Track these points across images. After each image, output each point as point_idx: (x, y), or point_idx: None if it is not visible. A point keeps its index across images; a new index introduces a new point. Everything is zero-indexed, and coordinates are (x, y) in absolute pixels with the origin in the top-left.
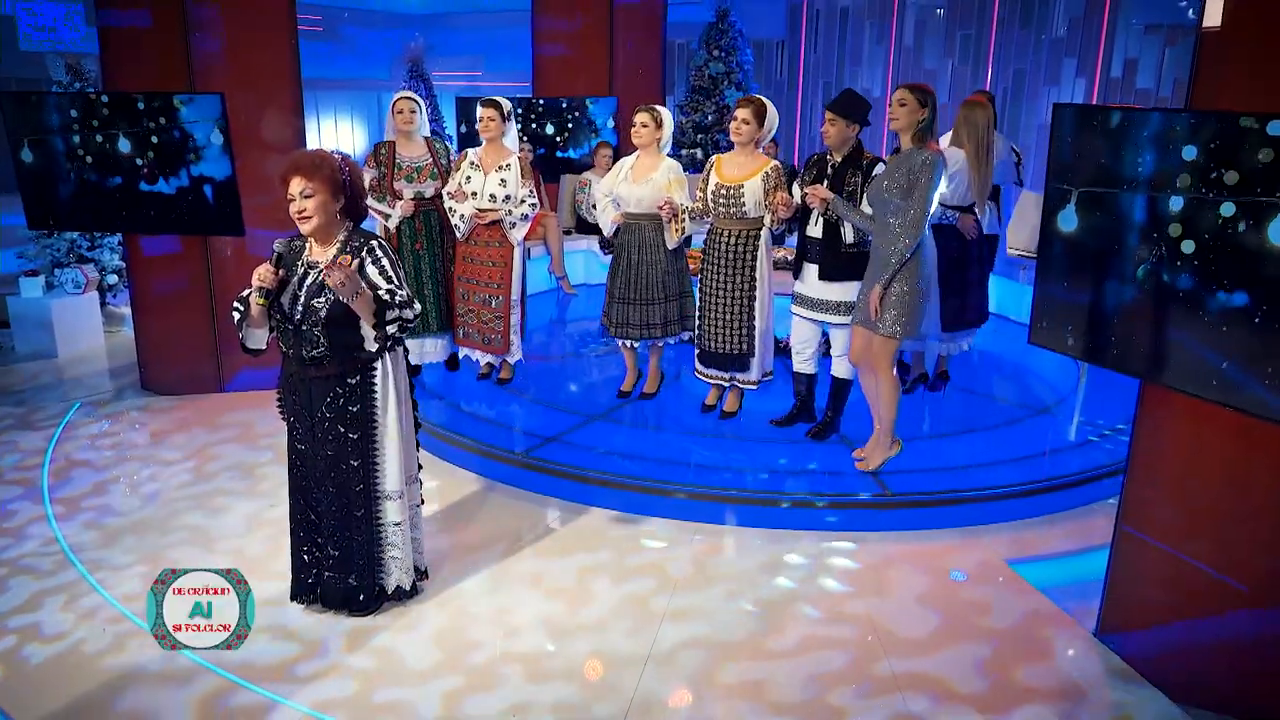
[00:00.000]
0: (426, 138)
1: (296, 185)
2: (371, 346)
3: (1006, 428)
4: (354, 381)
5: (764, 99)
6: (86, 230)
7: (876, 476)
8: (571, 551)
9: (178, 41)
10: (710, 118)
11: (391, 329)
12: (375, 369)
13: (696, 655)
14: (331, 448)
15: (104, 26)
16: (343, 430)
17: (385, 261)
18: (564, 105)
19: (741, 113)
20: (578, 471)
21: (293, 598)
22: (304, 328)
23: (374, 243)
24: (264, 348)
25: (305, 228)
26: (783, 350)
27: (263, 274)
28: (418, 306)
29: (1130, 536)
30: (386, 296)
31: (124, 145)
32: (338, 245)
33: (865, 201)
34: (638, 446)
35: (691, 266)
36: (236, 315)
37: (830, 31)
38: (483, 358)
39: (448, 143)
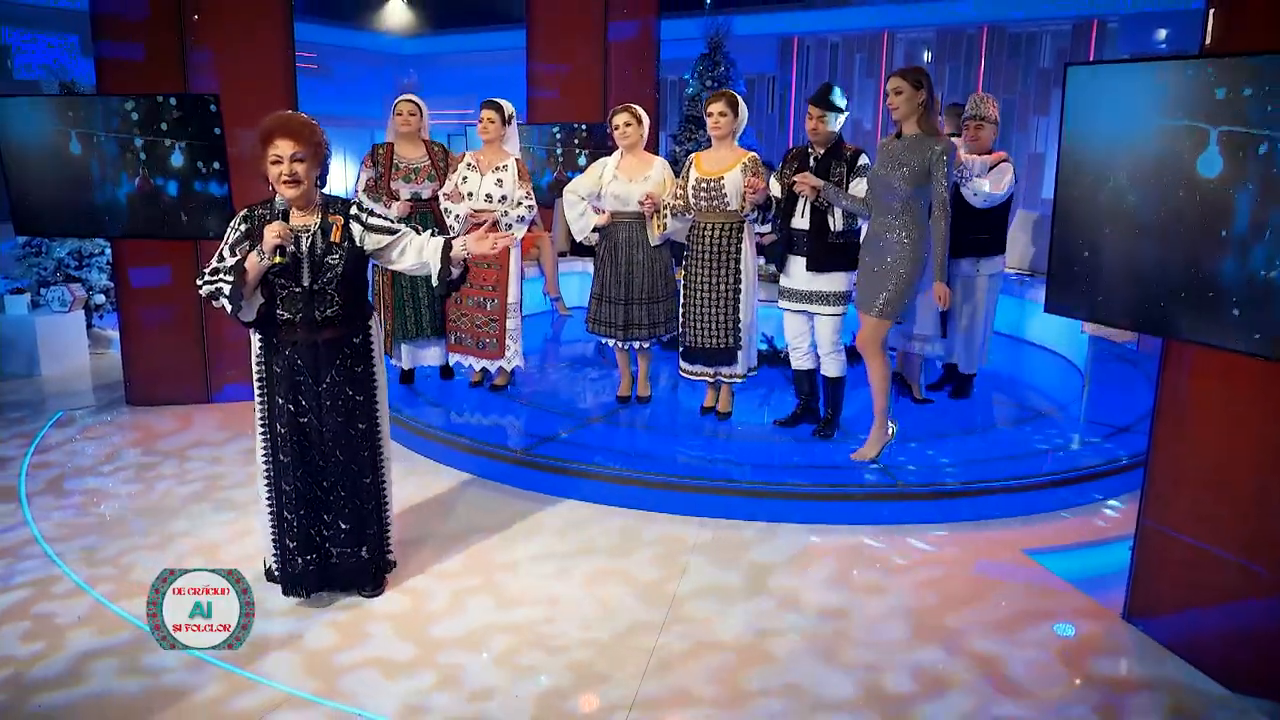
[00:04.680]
0: (426, 141)
1: (287, 148)
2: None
3: (1013, 427)
4: (358, 340)
5: (733, 91)
6: (75, 236)
7: (884, 468)
8: (569, 548)
9: (174, 72)
10: (703, 147)
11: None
12: (371, 328)
13: (692, 657)
14: (341, 413)
15: (100, 58)
16: (350, 393)
17: (377, 217)
18: (555, 130)
19: (716, 106)
20: (575, 467)
21: (286, 592)
22: (317, 287)
23: (354, 204)
24: (255, 318)
25: (290, 192)
26: (784, 359)
27: (283, 232)
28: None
29: (1153, 530)
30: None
31: (111, 149)
32: (319, 210)
33: (860, 186)
34: (635, 446)
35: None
36: (226, 286)
37: (820, 66)
38: (476, 364)
39: (447, 146)
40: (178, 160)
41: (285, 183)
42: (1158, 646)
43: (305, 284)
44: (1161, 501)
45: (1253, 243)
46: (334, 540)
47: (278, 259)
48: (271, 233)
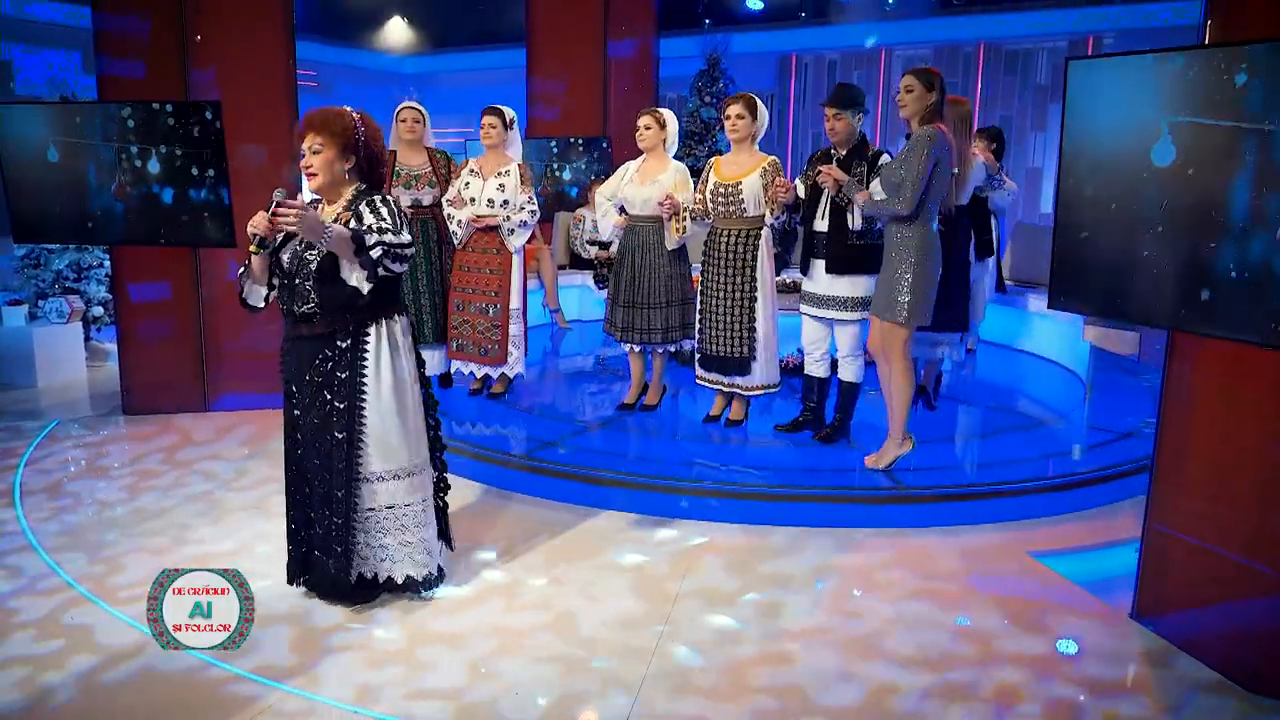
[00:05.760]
0: (429, 148)
1: (308, 141)
2: (364, 287)
3: (1016, 433)
4: (344, 345)
5: (751, 94)
6: (74, 243)
7: (888, 472)
8: (571, 552)
9: (176, 89)
10: (703, 161)
11: (376, 252)
12: (368, 334)
13: (695, 662)
14: (318, 415)
15: (101, 74)
16: (329, 397)
17: (384, 210)
18: (553, 145)
19: (734, 109)
20: (576, 471)
21: (289, 580)
22: (296, 281)
23: (378, 196)
24: (262, 306)
25: (311, 184)
26: (788, 369)
27: (256, 221)
28: (407, 237)
29: (1160, 531)
30: (364, 227)
31: (108, 156)
32: (343, 204)
33: (878, 185)
34: (639, 450)
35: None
36: (241, 269)
37: (819, 83)
38: (477, 370)
39: (449, 153)
40: (174, 168)
41: (307, 174)
42: (1168, 645)
43: (289, 276)
44: (1167, 502)
45: (1251, 233)
46: (312, 543)
47: (252, 249)
48: (250, 223)
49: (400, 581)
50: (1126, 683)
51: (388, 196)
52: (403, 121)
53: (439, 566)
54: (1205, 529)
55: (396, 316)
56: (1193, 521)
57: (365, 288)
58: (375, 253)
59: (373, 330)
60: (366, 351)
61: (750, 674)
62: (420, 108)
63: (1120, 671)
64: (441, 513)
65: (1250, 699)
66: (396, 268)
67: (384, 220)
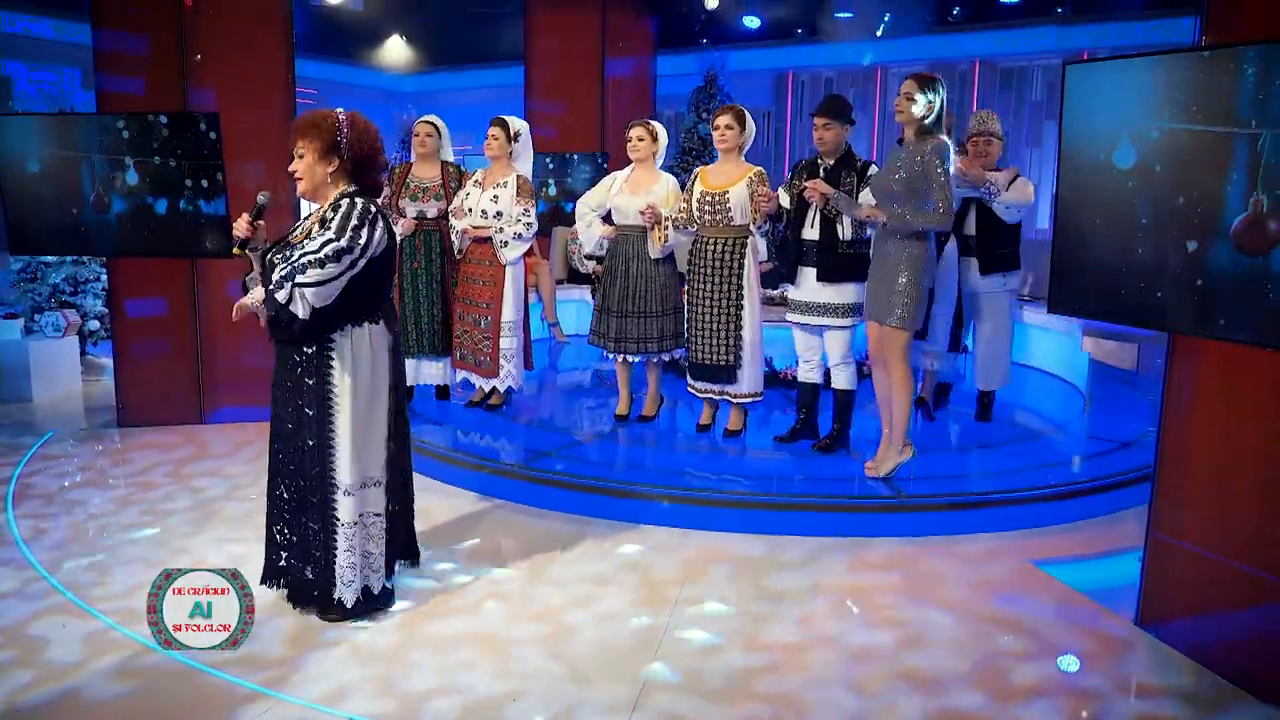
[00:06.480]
0: (444, 162)
1: (295, 146)
2: (300, 311)
3: (1016, 443)
4: (310, 351)
5: (740, 106)
6: (70, 254)
7: (890, 482)
8: (567, 560)
9: (175, 107)
10: None
11: (279, 274)
12: (333, 342)
13: (692, 673)
14: (292, 420)
15: (101, 91)
16: (300, 404)
17: (341, 212)
18: (549, 161)
19: (723, 119)
20: (573, 480)
21: (262, 581)
22: (270, 285)
23: (348, 200)
24: None
25: (298, 188)
26: (783, 380)
27: (239, 224)
28: (332, 232)
29: (1162, 538)
30: (278, 266)
31: (102, 168)
32: (327, 208)
33: (868, 194)
34: (636, 460)
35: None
36: (246, 271)
37: (815, 100)
38: (477, 381)
39: (462, 166)
40: (170, 179)
41: (295, 179)
42: (1173, 653)
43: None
44: (1169, 509)
45: None
46: (287, 548)
47: (235, 250)
48: (234, 226)
49: (349, 604)
50: (1131, 691)
51: (357, 199)
52: (416, 136)
53: (385, 586)
54: (1207, 535)
55: (369, 324)
56: (1194, 528)
57: (301, 311)
58: (278, 274)
59: (338, 337)
60: (332, 359)
61: (748, 681)
62: (435, 121)
63: (1125, 680)
64: (403, 525)
65: (1260, 705)
66: (332, 267)
67: (339, 220)
